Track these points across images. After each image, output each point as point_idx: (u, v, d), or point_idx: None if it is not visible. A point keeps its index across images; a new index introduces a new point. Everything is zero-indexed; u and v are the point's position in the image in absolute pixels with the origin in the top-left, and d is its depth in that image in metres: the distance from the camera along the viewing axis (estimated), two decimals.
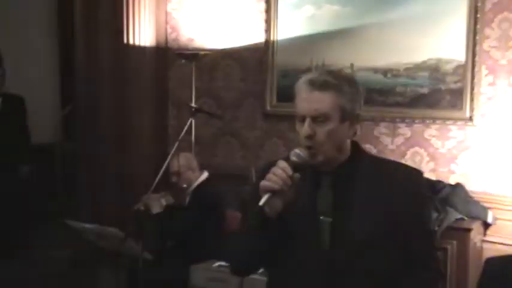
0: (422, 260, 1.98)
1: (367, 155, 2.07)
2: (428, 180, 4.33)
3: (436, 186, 4.29)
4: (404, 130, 4.53)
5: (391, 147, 4.58)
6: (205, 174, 4.31)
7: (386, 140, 4.59)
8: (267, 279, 2.12)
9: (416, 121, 4.47)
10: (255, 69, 4.92)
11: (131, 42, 4.91)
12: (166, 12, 5.06)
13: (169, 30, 5.09)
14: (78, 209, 5.33)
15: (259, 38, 4.85)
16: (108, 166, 5.07)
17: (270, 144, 4.92)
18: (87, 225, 3.95)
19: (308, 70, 4.64)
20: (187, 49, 4.86)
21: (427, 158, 4.48)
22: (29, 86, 6.17)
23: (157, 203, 4.17)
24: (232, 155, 5.08)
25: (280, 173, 1.82)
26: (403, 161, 4.50)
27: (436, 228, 4.13)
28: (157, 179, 3.69)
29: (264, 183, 1.83)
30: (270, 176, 1.83)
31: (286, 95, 4.21)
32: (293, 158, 1.87)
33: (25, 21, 6.48)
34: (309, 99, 1.89)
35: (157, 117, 5.17)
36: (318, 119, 1.88)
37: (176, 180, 4.20)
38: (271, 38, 4.81)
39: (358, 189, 1.93)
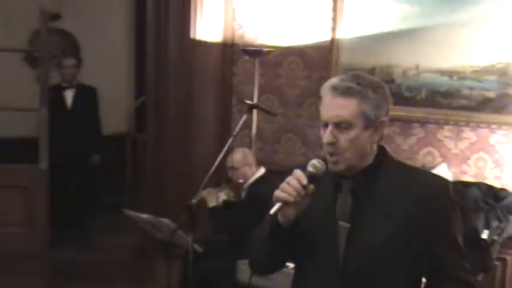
0: (453, 272, 1.91)
1: (393, 161, 2.00)
2: (491, 188, 4.20)
3: (499, 194, 4.15)
4: (469, 134, 4.41)
5: (454, 151, 4.46)
6: (262, 170, 4.32)
7: (450, 143, 4.47)
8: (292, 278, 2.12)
9: (482, 125, 4.34)
10: (319, 67, 4.89)
11: (198, 37, 4.98)
12: (233, 9, 5.10)
13: (236, 27, 5.12)
14: (143, 198, 5.49)
15: (325, 35, 4.82)
16: (173, 157, 5.18)
17: None
18: (143, 215, 4.05)
19: (372, 70, 4.61)
20: (252, 46, 4.89)
21: (492, 165, 4.35)
22: (104, 77, 6.40)
23: (214, 197, 4.24)
24: (293, 152, 5.08)
25: (294, 183, 1.79)
26: (465, 167, 4.39)
27: (496, 238, 4.00)
28: (209, 174, 3.72)
29: (277, 193, 1.80)
30: (284, 186, 1.80)
31: None
32: (310, 169, 1.84)
33: (103, 13, 6.71)
34: (331, 105, 1.85)
35: (221, 111, 5.23)
36: (341, 125, 1.84)
37: (232, 175, 4.25)
38: (337, 36, 4.77)
39: (378, 196, 1.88)
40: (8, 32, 6.29)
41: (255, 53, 4.72)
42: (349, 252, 1.88)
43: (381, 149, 1.97)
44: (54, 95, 5.62)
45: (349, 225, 1.89)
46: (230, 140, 3.93)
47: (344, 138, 1.84)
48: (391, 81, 4.53)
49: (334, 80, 1.89)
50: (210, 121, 5.17)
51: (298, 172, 1.82)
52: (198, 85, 5.09)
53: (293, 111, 5.06)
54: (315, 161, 1.85)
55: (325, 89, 1.89)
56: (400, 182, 1.90)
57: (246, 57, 4.82)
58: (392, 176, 1.92)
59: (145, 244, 5.16)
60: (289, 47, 4.96)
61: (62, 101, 5.81)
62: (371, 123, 1.87)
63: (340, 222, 1.90)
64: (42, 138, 5.28)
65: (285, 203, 1.78)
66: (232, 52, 5.14)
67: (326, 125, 1.87)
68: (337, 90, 1.85)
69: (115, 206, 5.32)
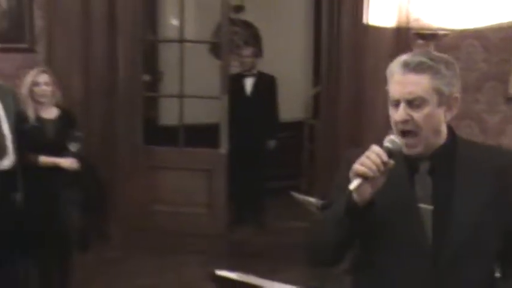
0: None
1: (463, 139, 1.90)
2: None
3: None
4: None
5: None
6: None
7: None
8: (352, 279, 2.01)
9: None
10: (499, 50, 4.64)
11: (371, 22, 4.93)
12: None
13: (411, 10, 4.99)
14: (316, 183, 5.58)
15: (505, 17, 4.53)
16: (344, 144, 5.19)
17: None
18: (310, 199, 4.12)
19: None
20: (428, 29, 4.73)
21: None
22: (284, 66, 6.60)
23: None
24: (472, 139, 4.83)
25: (374, 157, 1.71)
26: None
27: None
28: None
29: (356, 167, 1.71)
30: (363, 160, 1.71)
31: None
32: (387, 145, 1.75)
33: (283, 5, 6.91)
34: (403, 82, 1.77)
35: None
36: (414, 102, 1.75)
37: None
38: None
39: (459, 174, 1.80)
40: (198, 25, 6.73)
41: (430, 36, 4.57)
42: (439, 235, 1.79)
43: (450, 128, 1.87)
44: (235, 83, 5.91)
45: (432, 207, 1.80)
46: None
47: (418, 116, 1.76)
48: None
49: (404, 57, 1.81)
50: (381, 107, 5.08)
51: (376, 148, 1.73)
52: (370, 70, 5.04)
53: (471, 96, 4.83)
54: (392, 137, 1.78)
55: (395, 66, 1.80)
56: (478, 159, 1.82)
57: (421, 42, 4.68)
58: (469, 154, 1.83)
59: None
60: (466, 29, 4.73)
61: (242, 88, 6.08)
62: (444, 100, 1.78)
63: (421, 205, 1.81)
64: (222, 124, 5.59)
65: (365, 178, 1.70)
66: (406, 37, 5.01)
67: (396, 104, 1.79)
68: (408, 66, 1.77)
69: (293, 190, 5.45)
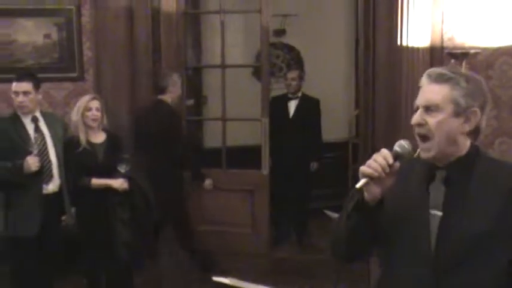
0: None
1: (486, 156, 1.97)
2: None
3: None
4: None
5: None
6: None
7: None
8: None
9: None
10: None
11: (404, 43, 5.01)
12: (442, 12, 5.02)
13: (445, 30, 5.04)
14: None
15: None
16: None
17: None
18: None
19: None
20: (461, 48, 4.79)
21: None
22: (326, 87, 6.72)
23: None
24: (507, 156, 4.84)
25: (380, 160, 1.85)
26: None
27: None
28: None
29: (363, 168, 1.86)
30: (370, 161, 1.86)
31: None
32: (396, 149, 1.90)
33: (324, 28, 7.03)
34: (424, 91, 1.92)
35: None
36: (430, 108, 1.88)
37: None
38: None
39: (472, 186, 1.87)
40: (242, 49, 6.94)
41: (462, 55, 4.63)
42: (442, 241, 1.88)
43: (475, 147, 1.95)
44: (278, 105, 6.05)
45: (441, 213, 1.89)
46: None
47: (432, 121, 1.88)
48: None
49: (430, 69, 1.95)
50: None
51: (384, 150, 1.88)
52: (406, 90, 5.10)
53: (507, 113, 4.83)
54: (402, 141, 1.91)
55: (422, 79, 1.95)
56: (494, 174, 1.89)
57: (452, 61, 4.73)
58: (486, 168, 1.90)
59: None
60: (500, 47, 4.76)
61: (286, 110, 6.20)
62: (461, 111, 1.88)
63: (432, 212, 1.91)
64: (263, 145, 5.73)
65: (370, 178, 1.84)
66: (441, 56, 5.07)
67: (416, 110, 1.93)
68: (431, 77, 1.92)
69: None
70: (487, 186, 1.87)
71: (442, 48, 5.06)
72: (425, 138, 1.90)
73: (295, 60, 7.16)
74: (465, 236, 1.84)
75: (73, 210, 4.37)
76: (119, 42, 5.57)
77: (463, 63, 4.63)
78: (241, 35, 7.02)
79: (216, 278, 1.72)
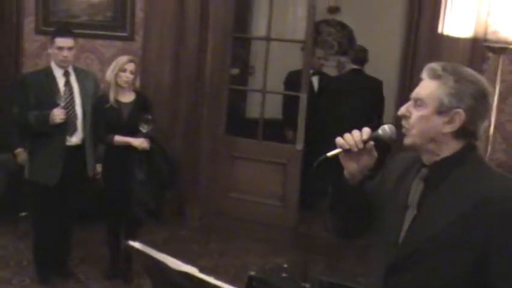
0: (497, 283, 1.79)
1: (477, 163, 1.91)
2: None
3: None
4: None
5: None
6: None
7: None
8: None
9: None
10: None
11: (446, 32, 4.91)
12: (489, 4, 4.89)
13: (490, 22, 4.90)
14: None
15: None
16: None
17: None
18: None
19: None
20: (504, 42, 4.64)
21: None
22: (377, 69, 6.64)
23: None
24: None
25: (356, 135, 1.94)
26: None
27: None
28: None
29: (338, 139, 1.96)
30: (346, 134, 1.95)
31: None
32: (378, 131, 1.96)
33: (379, 8, 6.93)
34: (419, 84, 1.95)
35: None
36: (417, 102, 1.91)
37: None
38: None
39: (446, 189, 1.86)
40: (301, 24, 6.94)
41: (500, 50, 4.51)
42: (407, 236, 1.92)
43: (469, 149, 1.91)
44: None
45: (416, 212, 1.92)
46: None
47: (415, 115, 1.90)
48: None
49: (431, 63, 1.96)
50: None
51: (366, 128, 1.96)
52: None
53: None
54: (386, 126, 1.97)
55: (422, 71, 1.97)
56: (469, 183, 1.85)
57: (490, 55, 4.62)
58: (467, 174, 1.87)
59: None
60: None
61: (310, 85, 6.18)
62: (444, 110, 1.86)
63: (410, 208, 1.95)
64: (300, 121, 5.78)
65: (343, 150, 1.94)
66: (483, 49, 4.94)
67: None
68: (425, 72, 1.94)
69: None
70: (459, 193, 1.85)
71: (484, 40, 4.92)
72: (406, 128, 1.94)
73: (346, 38, 7.11)
74: (426, 236, 1.87)
75: (98, 166, 4.59)
76: (169, 7, 5.72)
77: (501, 58, 4.51)
78: (300, 9, 7.02)
79: (131, 243, 1.82)
